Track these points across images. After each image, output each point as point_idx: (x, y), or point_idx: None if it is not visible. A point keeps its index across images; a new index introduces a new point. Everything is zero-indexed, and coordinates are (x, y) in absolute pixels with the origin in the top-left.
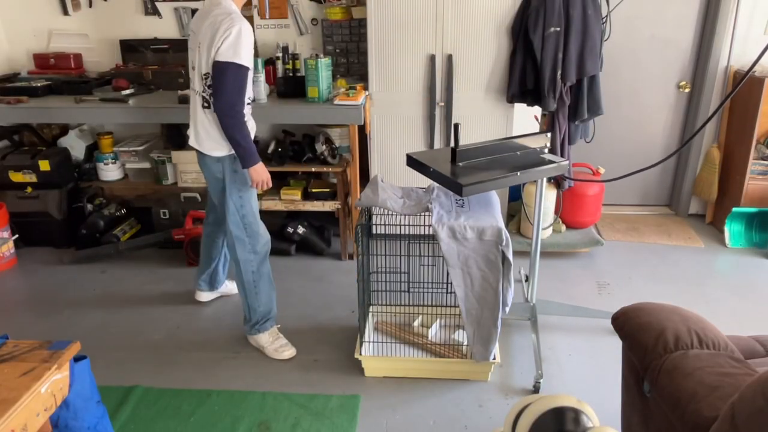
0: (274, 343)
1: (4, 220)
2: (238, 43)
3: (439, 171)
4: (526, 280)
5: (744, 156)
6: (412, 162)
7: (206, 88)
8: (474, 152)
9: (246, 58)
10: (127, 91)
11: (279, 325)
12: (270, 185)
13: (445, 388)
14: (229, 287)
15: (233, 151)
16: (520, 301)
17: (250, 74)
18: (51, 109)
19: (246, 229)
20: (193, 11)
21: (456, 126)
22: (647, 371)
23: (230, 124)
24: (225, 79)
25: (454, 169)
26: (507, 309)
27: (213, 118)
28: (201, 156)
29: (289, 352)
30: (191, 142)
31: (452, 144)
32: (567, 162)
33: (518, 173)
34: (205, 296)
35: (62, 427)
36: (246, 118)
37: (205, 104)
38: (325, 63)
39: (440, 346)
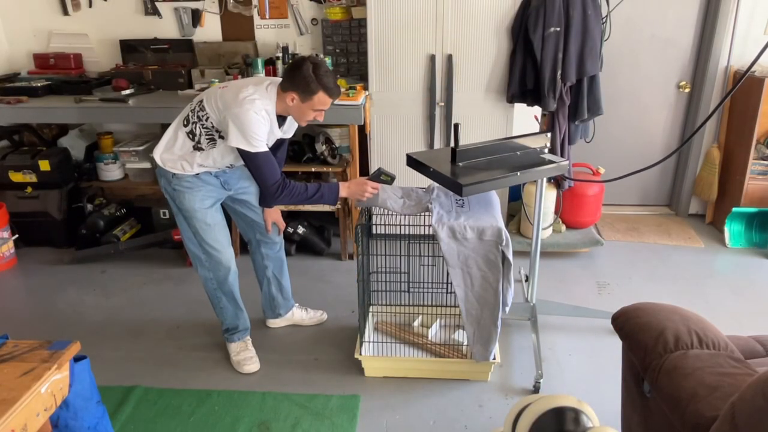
0: (238, 355)
1: (4, 220)
2: (244, 130)
3: (439, 171)
4: (526, 280)
5: (744, 156)
6: (412, 162)
7: (192, 113)
8: (474, 152)
9: (258, 143)
10: (127, 91)
11: (250, 338)
12: (373, 190)
13: (445, 388)
14: (300, 316)
15: (173, 170)
16: (520, 301)
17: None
18: (51, 109)
19: (202, 246)
20: (193, 11)
21: (456, 126)
22: (647, 371)
23: (284, 200)
24: (252, 166)
25: (454, 169)
26: (507, 309)
27: (174, 133)
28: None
29: (250, 367)
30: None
31: (452, 144)
32: (567, 162)
33: (518, 173)
34: (270, 323)
35: (62, 427)
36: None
37: (185, 122)
38: None
39: (440, 346)
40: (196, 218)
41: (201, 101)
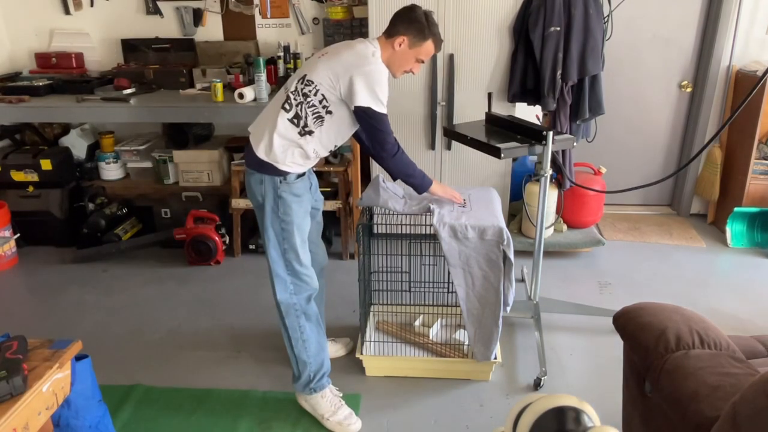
0: (336, 413)
1: (5, 219)
2: (373, 87)
3: (476, 138)
4: (522, 280)
5: (746, 156)
6: (448, 133)
7: (294, 94)
8: (501, 121)
9: (385, 101)
10: (129, 91)
11: (340, 394)
12: (459, 199)
13: (446, 387)
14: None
15: (287, 168)
16: (523, 299)
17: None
18: (52, 108)
19: (292, 266)
20: (195, 10)
21: (489, 94)
22: (648, 371)
23: (397, 163)
24: (374, 127)
25: (490, 136)
26: (508, 308)
27: (273, 126)
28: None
29: (357, 425)
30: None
31: (486, 110)
32: (572, 137)
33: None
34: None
35: (63, 425)
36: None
37: (286, 107)
38: None
39: (441, 345)
40: (299, 233)
41: (304, 77)
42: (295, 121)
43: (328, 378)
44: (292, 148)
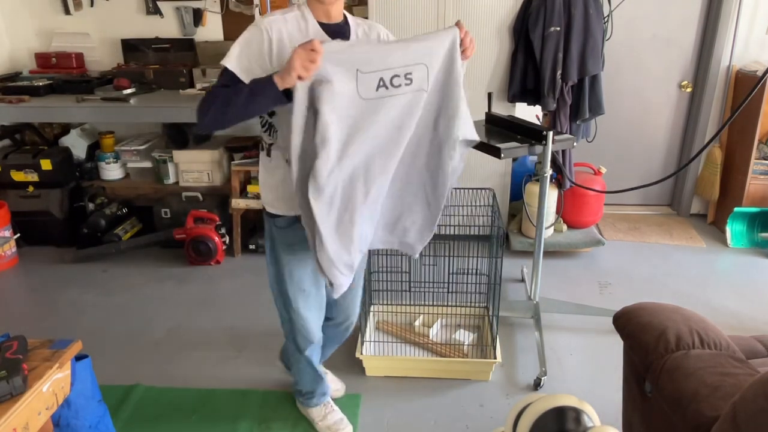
0: (325, 419)
1: (5, 219)
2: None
3: None
4: (522, 279)
5: (746, 156)
6: None
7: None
8: (501, 121)
9: (229, 55)
10: (129, 91)
11: (332, 400)
12: (312, 60)
13: (446, 387)
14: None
15: (273, 216)
16: (523, 299)
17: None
18: (52, 108)
19: (287, 308)
20: (195, 10)
21: (490, 94)
22: (648, 371)
23: (207, 118)
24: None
25: (490, 136)
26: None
27: (265, 162)
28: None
29: (347, 430)
30: None
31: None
32: (572, 137)
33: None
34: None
35: (63, 425)
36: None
37: (262, 145)
38: None
39: (441, 345)
40: (292, 283)
41: None
42: (263, 146)
43: (318, 398)
44: (276, 185)
